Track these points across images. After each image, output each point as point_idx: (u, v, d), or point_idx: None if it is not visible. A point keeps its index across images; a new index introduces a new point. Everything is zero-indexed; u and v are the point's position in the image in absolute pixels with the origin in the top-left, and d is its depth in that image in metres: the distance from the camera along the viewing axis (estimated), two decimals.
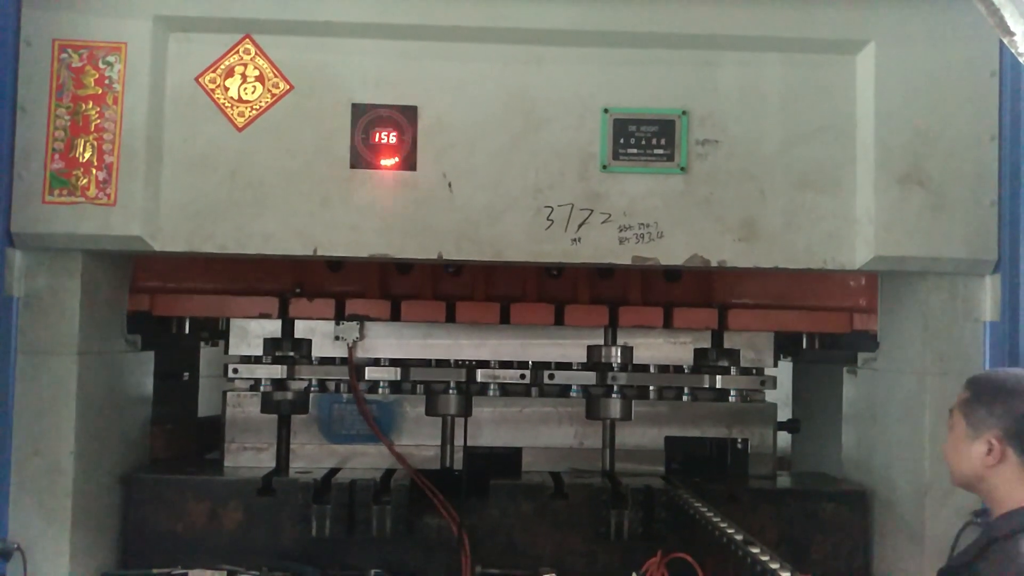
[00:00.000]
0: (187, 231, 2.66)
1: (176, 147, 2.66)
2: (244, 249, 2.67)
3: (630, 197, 2.69)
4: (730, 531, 2.42)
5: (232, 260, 3.10)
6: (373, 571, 2.88)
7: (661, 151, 2.70)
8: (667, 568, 2.63)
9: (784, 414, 3.66)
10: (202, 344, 3.79)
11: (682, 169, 2.70)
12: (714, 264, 2.70)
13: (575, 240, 2.68)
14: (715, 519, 2.54)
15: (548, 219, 2.68)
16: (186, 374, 3.65)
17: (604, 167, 2.69)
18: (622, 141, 2.69)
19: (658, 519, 2.94)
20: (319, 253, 2.68)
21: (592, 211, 2.68)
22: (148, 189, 2.63)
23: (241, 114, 2.67)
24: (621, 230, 2.68)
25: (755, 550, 2.24)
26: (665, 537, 2.89)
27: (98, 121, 2.61)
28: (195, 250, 2.67)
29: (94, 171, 2.61)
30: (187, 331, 3.41)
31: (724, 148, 2.72)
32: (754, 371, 3.33)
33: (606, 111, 2.70)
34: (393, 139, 2.67)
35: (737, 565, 2.40)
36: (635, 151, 2.69)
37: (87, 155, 2.61)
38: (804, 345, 3.51)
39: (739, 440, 3.33)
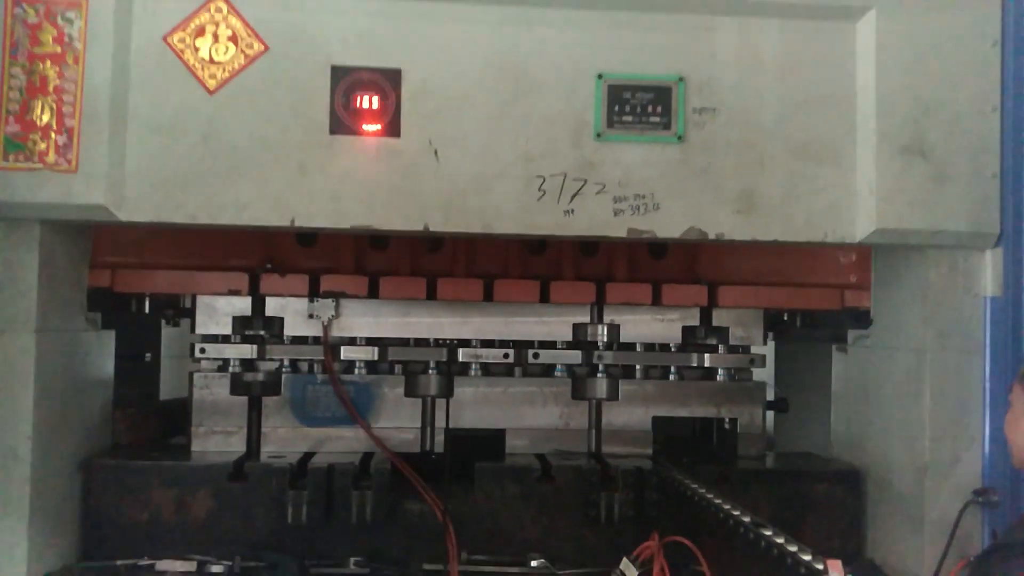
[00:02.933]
0: (155, 200, 2.48)
1: (142, 111, 2.48)
2: (216, 220, 2.51)
3: (625, 167, 2.57)
4: (735, 513, 2.33)
5: (199, 234, 2.95)
6: (353, 559, 2.75)
7: (657, 119, 2.58)
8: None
9: (768, 393, 3.59)
10: (164, 324, 3.59)
11: (679, 138, 2.59)
12: (712, 237, 2.60)
13: (568, 212, 2.56)
14: (717, 501, 2.44)
15: (540, 189, 2.55)
16: (148, 355, 3.46)
17: (598, 135, 2.57)
18: (617, 108, 2.57)
19: (649, 501, 2.85)
20: (297, 224, 2.52)
21: (586, 181, 2.56)
22: (112, 155, 2.45)
23: (213, 76, 2.50)
24: (616, 201, 2.57)
25: (768, 532, 2.14)
26: (657, 520, 2.80)
27: (57, 82, 2.42)
28: (163, 220, 2.50)
29: (53, 135, 2.42)
30: (148, 309, 3.23)
31: (722, 116, 2.61)
32: (741, 349, 3.25)
33: (600, 77, 2.57)
34: (375, 104, 2.52)
35: (741, 548, 2.31)
36: (630, 119, 2.58)
37: (45, 118, 2.42)
38: (790, 323, 3.45)
39: (727, 420, 3.25)
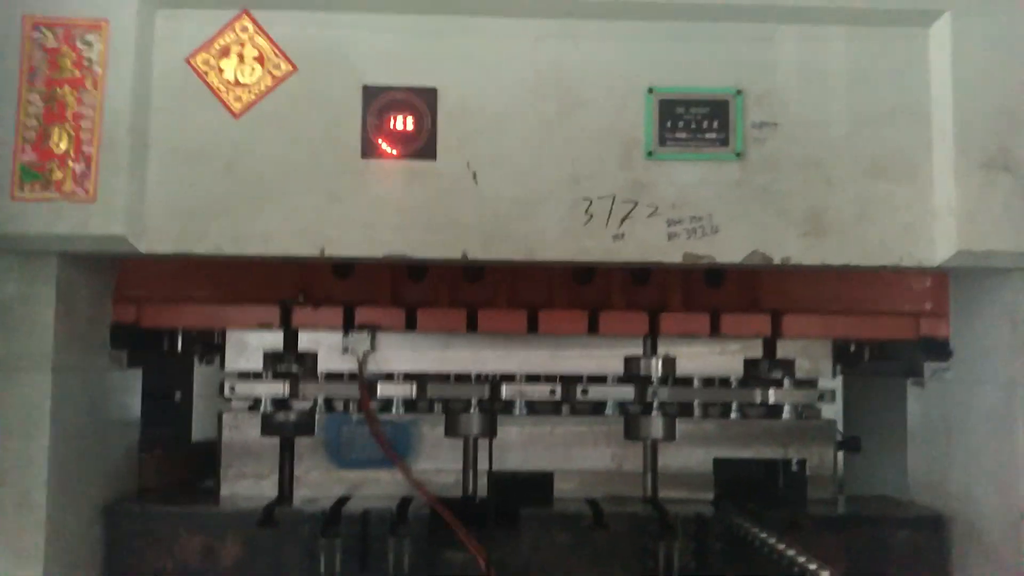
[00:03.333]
0: (177, 230, 2.34)
1: (164, 137, 2.34)
2: (242, 250, 2.35)
3: (679, 187, 2.37)
4: (812, 567, 2.08)
5: (227, 265, 2.80)
6: None
7: (713, 135, 2.38)
8: None
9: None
10: (196, 362, 3.45)
11: (738, 155, 2.39)
12: (777, 261, 2.38)
13: (618, 236, 2.36)
14: (790, 552, 2.21)
15: (587, 213, 2.36)
16: (178, 394, 3.32)
17: (649, 154, 2.37)
18: (669, 124, 2.38)
19: (712, 551, 2.61)
20: (327, 254, 2.35)
21: (637, 203, 2.36)
22: (132, 184, 2.31)
23: (238, 99, 2.36)
24: (670, 224, 2.36)
25: None
26: (720, 571, 2.59)
27: (76, 108, 2.30)
28: (186, 252, 2.35)
29: (71, 163, 2.29)
30: (179, 346, 3.08)
31: (784, 131, 2.40)
32: (808, 384, 3.01)
33: (651, 91, 2.39)
34: (410, 125, 2.36)
35: None
36: (684, 135, 2.38)
37: (63, 146, 2.30)
38: (857, 355, 3.19)
39: (794, 461, 2.99)
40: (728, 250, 2.37)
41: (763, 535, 2.42)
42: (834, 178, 2.40)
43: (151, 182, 2.33)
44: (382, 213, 2.36)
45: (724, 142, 2.38)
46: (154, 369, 3.05)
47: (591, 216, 2.36)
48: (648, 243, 2.36)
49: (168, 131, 2.34)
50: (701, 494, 2.91)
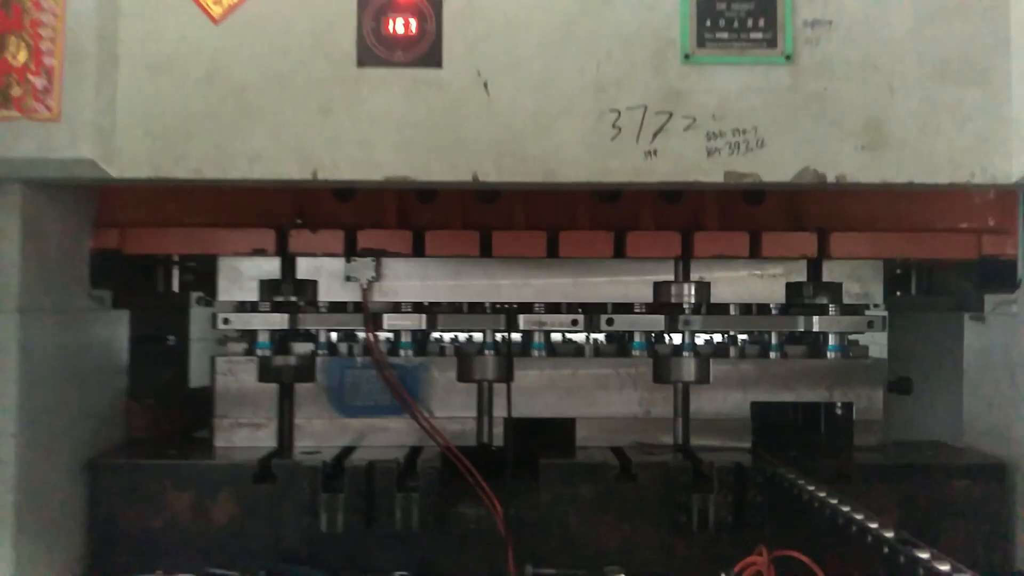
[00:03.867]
0: (152, 152, 2.07)
1: (136, 45, 2.06)
2: (226, 174, 2.09)
3: (720, 95, 2.08)
4: (871, 526, 1.84)
5: (219, 187, 2.52)
6: (397, 573, 2.33)
7: (759, 35, 2.08)
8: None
9: None
10: (193, 303, 3.22)
11: (787, 58, 2.09)
12: (831, 179, 2.09)
13: (649, 153, 2.08)
14: (844, 508, 1.96)
15: (614, 126, 2.08)
16: (172, 338, 3.08)
17: (686, 57, 2.08)
18: (709, 23, 2.08)
19: (751, 504, 2.37)
20: (320, 177, 2.09)
21: (671, 114, 2.07)
22: (101, 99, 2.04)
23: (218, 2, 2.07)
24: (709, 138, 2.08)
25: (923, 555, 1.65)
26: (760, 527, 2.34)
27: (34, 14, 2.02)
28: (163, 176, 2.09)
29: (31, 77, 2.02)
30: (173, 283, 2.87)
31: (840, 31, 2.09)
32: (856, 311, 2.73)
33: None
34: (412, 28, 2.07)
35: (870, 564, 1.84)
36: (726, 36, 2.08)
37: (21, 57, 2.03)
38: (904, 284, 2.93)
39: (838, 404, 2.74)
40: (776, 167, 2.09)
41: (810, 487, 2.17)
42: (896, 83, 2.10)
43: (122, 98, 2.06)
44: (381, 130, 2.08)
45: (771, 43, 2.08)
46: (145, 310, 2.81)
47: (619, 131, 2.07)
48: (685, 160, 2.07)
49: (140, 39, 2.06)
50: (737, 442, 2.66)
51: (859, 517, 1.90)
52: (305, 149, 2.08)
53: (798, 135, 2.09)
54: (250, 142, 2.08)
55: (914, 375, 3.00)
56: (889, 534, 1.78)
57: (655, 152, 2.07)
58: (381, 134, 2.08)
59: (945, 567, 1.60)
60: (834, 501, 2.07)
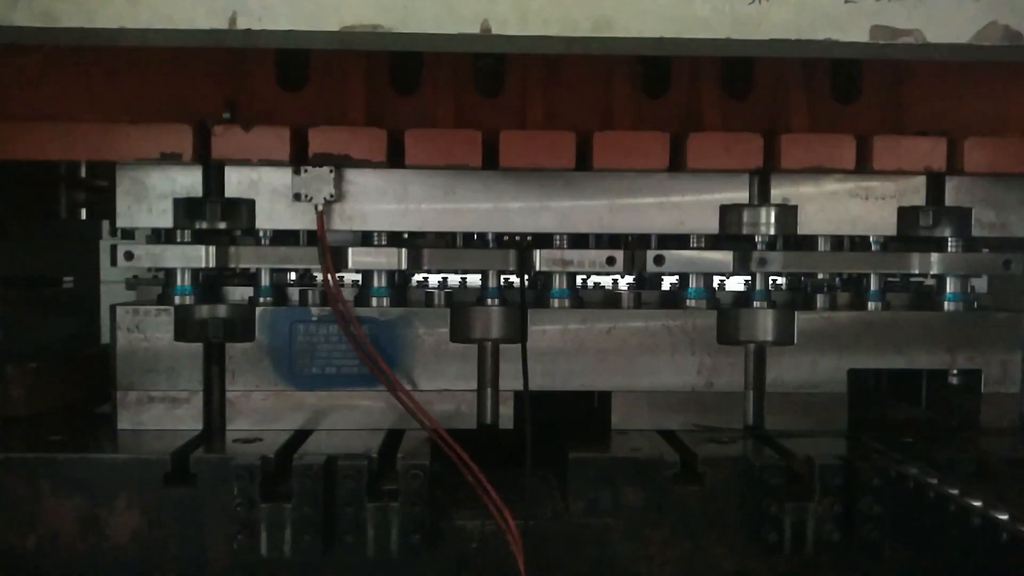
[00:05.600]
0: None
1: None
2: (92, 22, 1.35)
3: None
4: None
5: (121, 71, 1.88)
6: None
7: None
8: None
9: None
10: (105, 231, 2.48)
11: None
12: None
13: None
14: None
15: None
16: (68, 279, 2.34)
17: None
18: None
19: (866, 515, 1.69)
20: (240, 26, 1.35)
21: None
22: None
23: None
24: None
25: None
26: (877, 547, 1.68)
27: None
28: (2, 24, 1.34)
29: None
30: (63, 209, 2.13)
31: None
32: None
33: None
34: None
35: None
36: None
37: None
38: None
39: (953, 372, 2.05)
40: (947, 21, 1.37)
41: (965, 497, 1.51)
42: None
43: None
44: None
45: None
46: (34, 244, 2.08)
47: None
48: (810, 7, 1.34)
49: None
50: (830, 425, 1.97)
51: None
52: None
53: None
54: None
55: None
56: None
57: None
58: None
59: None
60: (1005, 516, 1.41)
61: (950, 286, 2.06)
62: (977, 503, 1.51)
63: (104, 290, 2.55)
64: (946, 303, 2.06)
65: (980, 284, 2.30)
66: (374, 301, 1.97)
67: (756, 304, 2.03)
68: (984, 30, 1.37)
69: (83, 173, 2.46)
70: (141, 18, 1.34)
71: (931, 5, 1.36)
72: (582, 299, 2.06)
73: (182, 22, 1.34)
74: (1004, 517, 1.45)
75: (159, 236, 1.98)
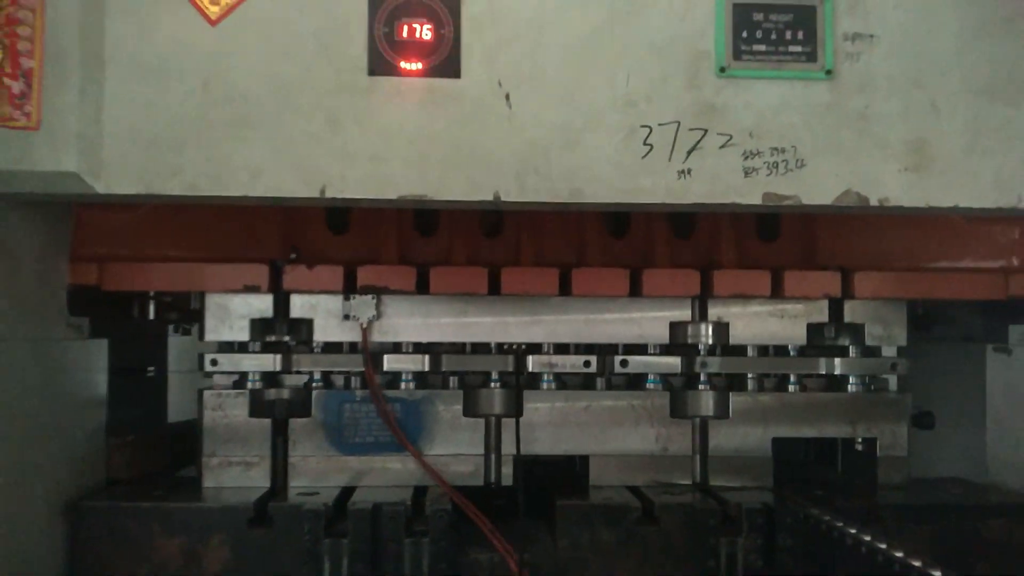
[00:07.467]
0: (142, 165, 1.89)
1: (124, 47, 1.89)
2: (224, 190, 1.92)
3: (758, 112, 1.96)
4: (930, 570, 1.70)
5: (206, 218, 2.38)
6: None
7: (799, 48, 1.96)
8: None
9: None
10: (172, 331, 3.02)
11: (827, 73, 1.97)
12: (874, 203, 1.97)
13: (683, 172, 1.94)
14: (900, 556, 1.82)
15: (646, 143, 1.94)
16: (151, 369, 2.87)
17: (722, 70, 1.95)
18: (745, 35, 1.95)
19: (782, 548, 2.22)
20: (328, 194, 1.92)
21: (706, 132, 1.94)
22: (85, 106, 1.86)
23: (215, 1, 1.91)
24: (747, 157, 1.95)
25: None
26: (791, 572, 2.20)
27: (10, 10, 1.84)
28: (155, 192, 1.91)
29: (6, 81, 1.84)
30: (151, 313, 2.66)
31: (883, 45, 1.99)
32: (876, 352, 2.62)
33: None
34: (428, 34, 1.92)
35: None
36: (763, 48, 1.96)
37: None
38: (924, 318, 2.80)
39: (859, 440, 2.60)
40: (817, 190, 1.97)
41: (852, 531, 2.04)
42: (941, 102, 1.99)
43: (109, 106, 1.89)
44: (394, 145, 1.93)
45: (811, 57, 1.96)
46: (122, 340, 2.61)
47: (650, 148, 1.94)
48: (720, 181, 1.94)
49: (128, 40, 1.89)
50: (758, 481, 2.51)
51: (918, 564, 1.76)
52: (311, 164, 1.91)
53: (839, 155, 1.97)
54: (250, 155, 1.91)
55: (934, 410, 2.90)
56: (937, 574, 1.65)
57: (689, 171, 1.94)
58: (394, 149, 1.93)
59: None
60: (883, 545, 1.94)
61: (852, 376, 2.62)
62: (865, 537, 2.00)
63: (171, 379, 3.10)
64: (849, 387, 2.62)
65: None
66: (403, 386, 2.49)
67: (700, 388, 2.57)
68: (842, 195, 1.97)
69: None
70: (258, 187, 1.91)
71: (804, 179, 1.96)
72: (565, 383, 2.61)
73: (288, 191, 1.92)
74: (883, 546, 1.96)
75: (232, 346, 2.50)
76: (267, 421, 2.46)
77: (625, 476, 2.50)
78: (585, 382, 2.61)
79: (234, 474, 2.43)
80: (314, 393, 2.48)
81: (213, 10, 1.90)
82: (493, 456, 2.50)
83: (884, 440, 2.58)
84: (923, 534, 2.30)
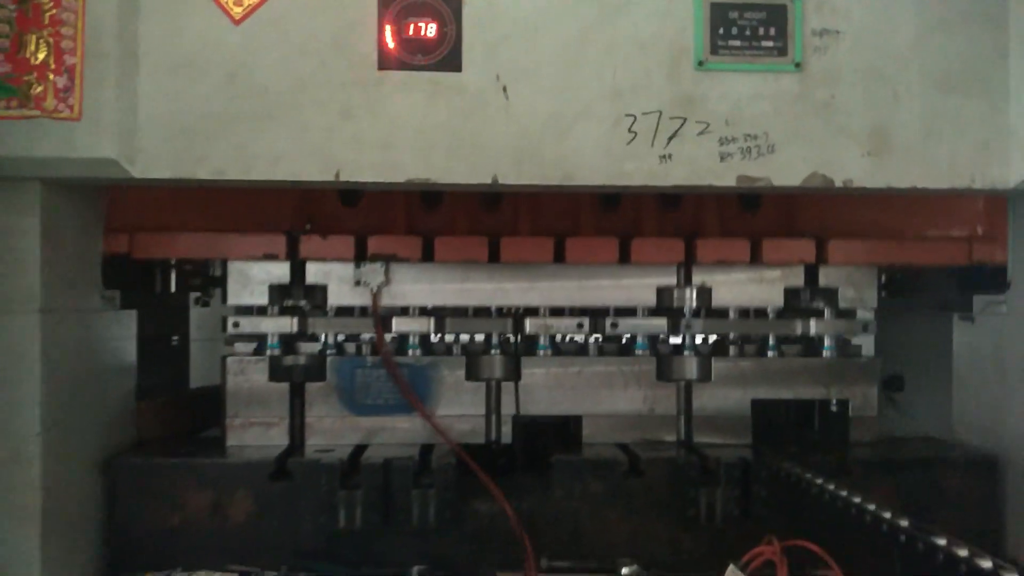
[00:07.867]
0: (174, 152, 2.09)
1: (156, 45, 2.09)
2: (248, 174, 2.12)
3: (733, 101, 2.15)
4: (887, 516, 1.91)
5: (228, 194, 2.55)
6: (416, 568, 2.36)
7: (771, 43, 2.15)
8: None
9: None
10: (193, 303, 3.23)
11: (796, 66, 2.16)
12: (839, 184, 2.17)
13: (664, 158, 2.14)
14: (856, 499, 2.03)
15: (630, 131, 2.13)
16: (175, 338, 3.09)
17: (700, 64, 2.14)
18: (722, 31, 2.14)
19: (757, 498, 2.44)
20: (342, 178, 2.12)
21: (685, 120, 2.14)
22: (122, 99, 2.06)
23: (238, 2, 2.10)
24: (722, 143, 2.14)
25: (941, 541, 1.73)
26: (766, 520, 2.40)
27: (53, 11, 2.03)
28: (185, 177, 2.11)
29: (51, 76, 2.03)
30: (173, 285, 2.87)
31: (847, 40, 2.17)
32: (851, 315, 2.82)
33: None
34: (432, 31, 2.11)
35: (876, 551, 1.92)
36: (738, 43, 2.15)
37: (41, 56, 2.04)
38: (896, 286, 3.01)
39: (833, 402, 2.81)
40: (786, 172, 2.16)
41: (819, 480, 2.25)
42: (900, 92, 2.18)
43: (143, 97, 2.08)
44: (402, 133, 2.13)
45: (782, 51, 2.15)
46: (149, 311, 2.82)
47: (634, 135, 2.13)
48: (698, 165, 2.14)
49: (160, 39, 2.08)
50: (739, 439, 2.73)
51: (872, 507, 1.97)
52: (327, 151, 2.11)
53: (807, 141, 2.16)
54: (272, 143, 2.11)
55: (905, 373, 3.11)
56: (904, 522, 1.85)
57: (669, 156, 2.14)
58: (402, 137, 2.12)
59: (963, 552, 1.67)
60: (844, 492, 2.14)
61: (825, 340, 2.82)
62: (831, 487, 2.21)
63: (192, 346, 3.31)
64: (824, 351, 2.84)
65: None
66: (410, 352, 2.71)
67: (685, 353, 2.79)
68: (809, 177, 2.17)
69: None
70: (279, 172, 2.11)
71: (774, 163, 2.15)
72: (560, 350, 2.82)
73: (306, 175, 2.12)
74: (844, 494, 2.14)
75: (251, 310, 2.70)
76: (285, 385, 2.67)
77: (615, 435, 2.71)
78: (579, 349, 2.81)
79: (255, 433, 2.64)
80: (328, 359, 2.69)
81: (236, 11, 2.09)
82: (494, 417, 2.71)
83: (856, 401, 2.78)
84: (888, 486, 2.51)
